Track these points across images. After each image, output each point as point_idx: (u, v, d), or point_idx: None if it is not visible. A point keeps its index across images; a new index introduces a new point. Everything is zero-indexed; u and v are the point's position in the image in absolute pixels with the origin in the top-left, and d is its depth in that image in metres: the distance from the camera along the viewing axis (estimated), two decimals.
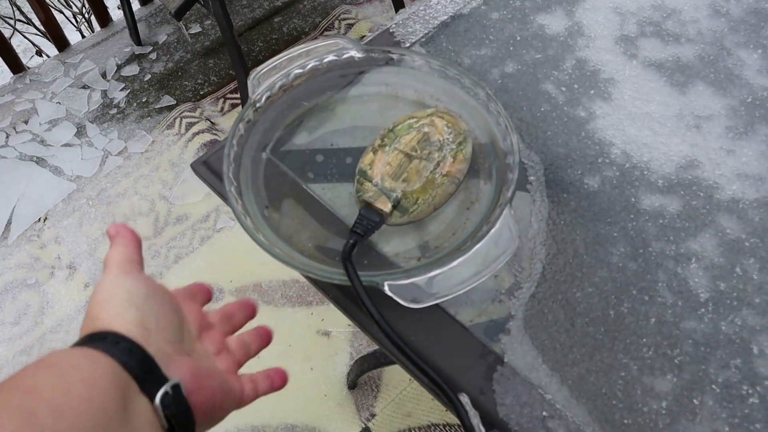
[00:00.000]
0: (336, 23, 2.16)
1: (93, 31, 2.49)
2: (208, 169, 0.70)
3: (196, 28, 2.24)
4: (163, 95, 2.04)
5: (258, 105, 0.68)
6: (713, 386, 0.54)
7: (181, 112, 1.94)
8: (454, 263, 0.54)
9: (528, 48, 0.79)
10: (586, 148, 0.69)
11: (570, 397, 0.53)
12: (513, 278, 0.60)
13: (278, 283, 1.56)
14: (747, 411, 0.53)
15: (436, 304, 0.57)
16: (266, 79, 0.69)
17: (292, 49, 0.71)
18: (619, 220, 0.63)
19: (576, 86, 0.74)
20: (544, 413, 0.52)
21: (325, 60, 0.71)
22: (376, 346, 1.44)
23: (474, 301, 0.59)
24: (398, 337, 0.52)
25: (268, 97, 0.69)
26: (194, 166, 0.72)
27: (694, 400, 0.53)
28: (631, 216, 0.64)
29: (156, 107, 2.01)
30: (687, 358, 0.55)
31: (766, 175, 0.67)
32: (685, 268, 0.60)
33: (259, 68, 0.70)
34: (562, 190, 0.66)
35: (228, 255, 1.63)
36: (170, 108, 1.99)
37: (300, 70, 0.70)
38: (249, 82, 0.69)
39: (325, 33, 2.15)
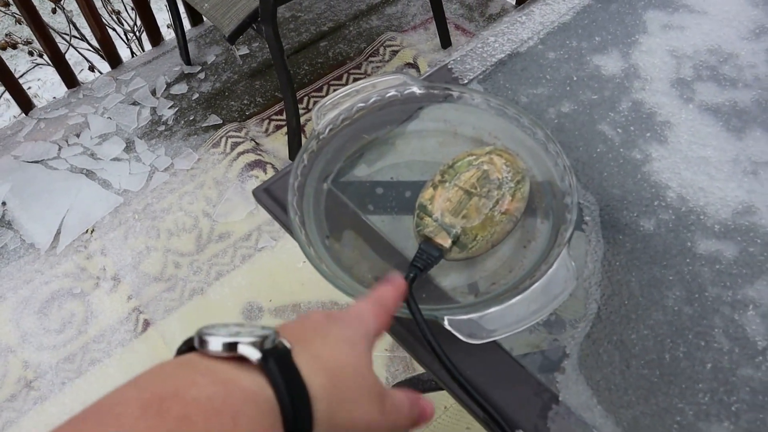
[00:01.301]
0: (381, 49, 2.19)
1: (143, 49, 2.56)
2: (269, 196, 0.72)
3: (243, 50, 2.30)
4: (210, 114, 2.09)
5: (321, 136, 0.70)
6: None
7: (227, 132, 1.98)
8: (513, 301, 0.55)
9: (584, 88, 0.80)
10: (642, 191, 0.70)
11: None
12: (569, 317, 0.61)
13: (317, 305, 1.58)
14: None
15: (494, 341, 0.58)
16: (330, 111, 0.71)
17: (355, 84, 0.73)
18: (674, 263, 0.64)
19: (632, 128, 0.75)
20: None
21: (387, 95, 0.73)
22: (411, 373, 1.45)
23: (530, 339, 0.60)
24: (459, 373, 0.53)
25: (330, 130, 0.71)
26: (256, 193, 0.74)
27: None
28: (687, 260, 0.64)
29: (203, 126, 2.05)
30: (744, 405, 0.56)
31: None
32: (742, 314, 0.61)
33: (323, 101, 0.72)
34: (617, 231, 0.67)
35: (268, 274, 1.66)
36: (216, 127, 2.04)
37: (362, 104, 0.72)
38: (313, 114, 0.71)
39: (370, 59, 2.18)
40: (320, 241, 0.65)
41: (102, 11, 2.29)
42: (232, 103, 2.11)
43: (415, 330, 0.57)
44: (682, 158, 0.73)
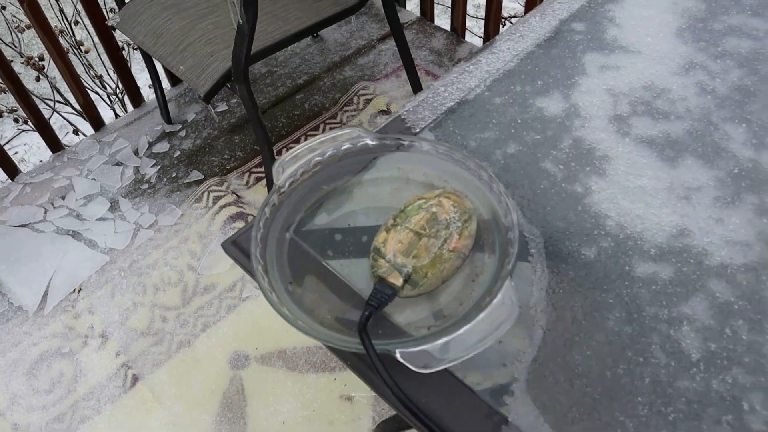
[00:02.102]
0: (355, 99, 2.27)
1: (126, 110, 2.63)
2: (237, 248, 0.77)
3: (222, 107, 2.37)
4: (191, 170, 2.14)
5: (282, 190, 0.75)
6: None
7: (209, 187, 2.04)
8: (460, 332, 0.60)
9: (528, 130, 0.86)
10: (583, 221, 0.75)
11: None
12: (516, 344, 0.65)
13: (302, 350, 1.62)
14: None
15: (447, 370, 0.63)
16: (289, 166, 0.77)
17: (312, 139, 0.78)
18: (614, 287, 0.69)
19: (573, 164, 0.81)
20: None
21: (342, 148, 0.78)
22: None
23: (481, 366, 0.64)
24: (408, 400, 0.58)
25: (291, 183, 0.76)
26: (224, 246, 0.79)
27: None
28: (626, 283, 0.69)
29: (185, 182, 2.11)
30: (681, 415, 0.60)
31: (753, 242, 0.73)
32: (677, 330, 0.65)
33: (282, 157, 0.77)
34: (561, 260, 0.72)
35: (253, 323, 1.69)
36: (198, 182, 2.09)
37: (319, 158, 0.78)
38: (273, 170, 0.76)
39: (345, 108, 2.25)
40: (283, 287, 0.69)
41: (85, 76, 2.37)
42: (213, 158, 2.17)
43: (372, 365, 0.61)
44: (620, 189, 0.78)
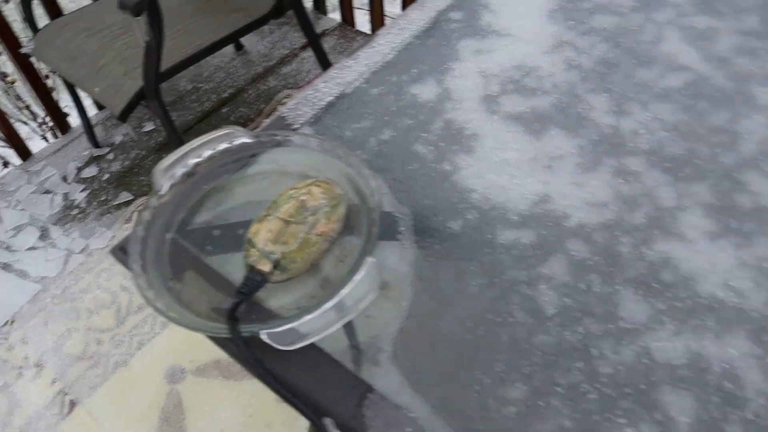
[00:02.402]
0: (279, 108, 2.29)
1: (57, 137, 2.61)
2: (123, 252, 0.79)
3: (149, 126, 2.37)
4: (121, 192, 2.14)
5: (162, 193, 0.77)
6: (558, 388, 0.62)
7: (138, 206, 2.04)
8: (322, 309, 0.63)
9: (402, 116, 0.89)
10: (450, 197, 0.79)
11: (432, 414, 0.61)
12: (385, 317, 0.68)
13: None
14: (587, 406, 0.61)
15: (316, 347, 0.66)
16: (169, 170, 0.79)
17: (190, 142, 0.81)
18: (477, 256, 0.73)
19: (442, 144, 0.85)
20: (408, 430, 0.60)
21: (220, 148, 0.81)
22: None
23: (348, 341, 0.67)
24: (271, 375, 0.60)
25: (171, 185, 0.78)
26: (113, 252, 0.80)
27: (541, 402, 0.61)
28: (488, 251, 0.73)
29: (115, 204, 2.11)
30: (536, 367, 0.64)
31: (609, 201, 0.77)
32: (535, 289, 0.69)
33: (161, 162, 0.80)
34: (428, 236, 0.75)
35: (188, 336, 1.70)
36: (128, 203, 2.09)
37: (198, 159, 0.80)
38: (154, 175, 0.79)
39: (268, 118, 2.27)
40: (163, 284, 0.71)
41: (14, 107, 2.35)
42: (142, 177, 2.17)
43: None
44: (486, 164, 0.82)
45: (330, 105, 0.92)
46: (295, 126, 0.90)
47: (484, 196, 0.78)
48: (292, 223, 0.71)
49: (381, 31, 1.04)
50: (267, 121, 0.92)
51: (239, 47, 2.58)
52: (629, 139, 0.83)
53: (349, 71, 0.97)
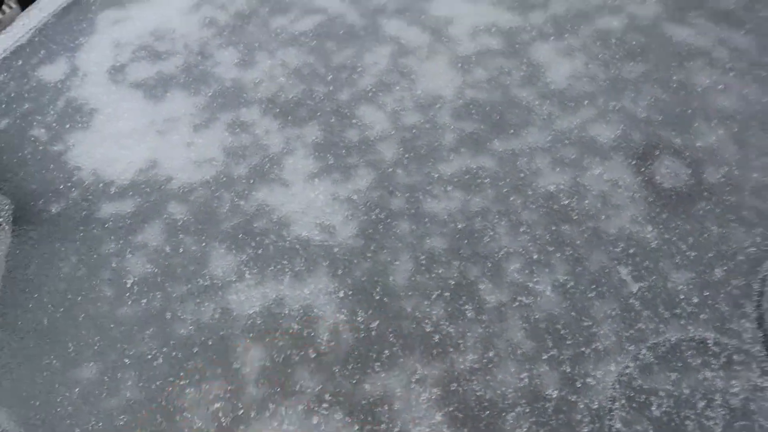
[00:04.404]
0: None
1: None
2: None
3: None
4: None
5: None
6: (127, 360, 0.61)
7: None
8: None
9: (22, 102, 0.85)
10: (55, 179, 0.75)
11: None
12: None
13: None
14: (152, 373, 0.60)
15: None
16: None
17: None
18: (72, 235, 0.70)
19: (56, 125, 0.81)
20: None
21: None
22: None
23: None
24: None
25: None
26: None
27: (107, 377, 0.60)
28: (82, 228, 0.71)
29: None
30: (109, 341, 0.62)
31: (215, 157, 0.76)
32: (123, 260, 0.68)
33: None
34: (27, 222, 0.72)
35: None
36: None
37: None
38: None
39: None
40: None
41: None
42: None
43: None
44: (99, 138, 0.79)
45: None
46: None
47: (91, 171, 0.75)
48: None
49: (21, 14, 0.98)
50: None
51: None
52: (249, 90, 0.82)
53: None
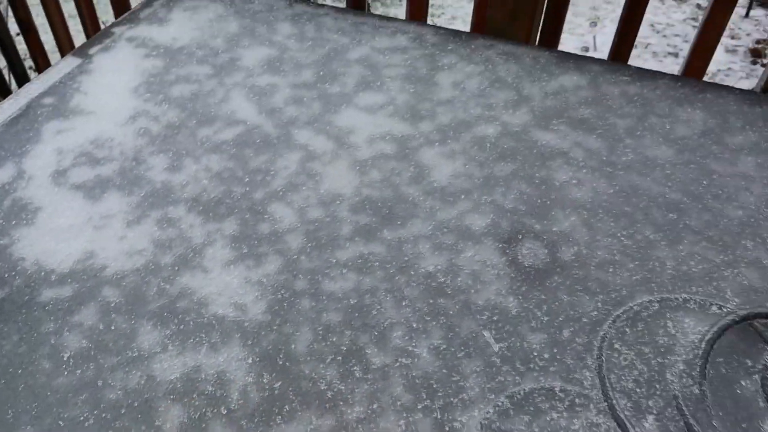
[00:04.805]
0: None
1: None
2: None
3: None
4: None
5: None
6: (61, 422, 0.71)
7: None
8: None
9: None
10: (1, 269, 0.86)
11: None
12: None
13: None
14: (122, 422, 0.70)
15: None
16: None
17: None
18: (16, 317, 0.80)
19: (2, 221, 0.93)
20: None
21: None
22: None
23: None
24: None
25: None
26: None
27: None
28: (24, 311, 0.81)
29: None
30: (44, 407, 0.72)
31: (145, 248, 0.88)
32: (60, 337, 0.78)
33: None
34: None
35: None
36: None
37: None
38: None
39: None
40: None
41: None
42: None
43: None
44: (42, 233, 0.91)
45: None
46: None
47: (34, 261, 0.86)
48: None
49: None
50: None
51: None
52: (177, 191, 0.96)
53: None
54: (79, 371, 0.75)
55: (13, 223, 0.92)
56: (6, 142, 1.06)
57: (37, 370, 0.75)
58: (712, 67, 3.87)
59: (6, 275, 0.85)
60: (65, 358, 0.76)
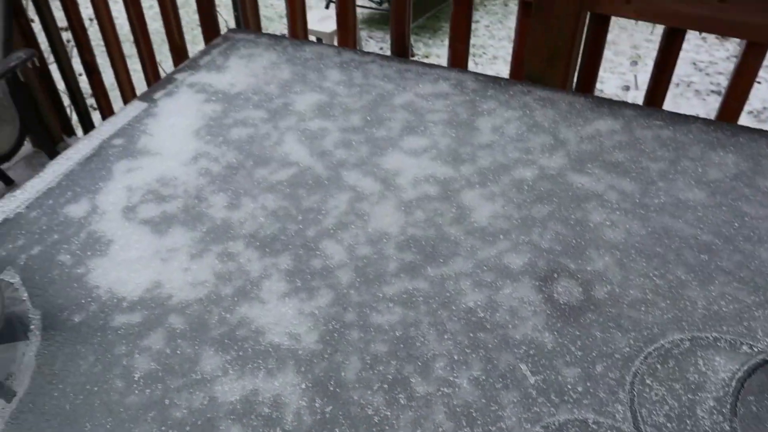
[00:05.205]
0: None
1: None
2: None
3: None
4: None
5: None
6: None
7: None
8: None
9: (52, 233, 1.06)
10: (78, 295, 0.95)
11: None
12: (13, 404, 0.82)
13: None
14: None
15: None
16: None
17: None
18: (90, 339, 0.89)
19: (80, 252, 1.02)
20: None
21: None
22: None
23: None
24: None
25: None
26: None
27: None
28: (99, 334, 0.89)
29: None
30: (118, 423, 0.80)
31: (207, 280, 0.96)
32: (131, 359, 0.86)
33: None
34: (54, 329, 0.90)
35: None
36: None
37: None
38: None
39: None
40: None
41: None
42: None
43: None
44: (114, 263, 1.00)
45: None
46: None
47: (107, 290, 0.95)
48: None
49: (50, 163, 1.21)
50: None
51: (8, 182, 2.64)
52: (236, 227, 1.04)
53: (14, 200, 1.12)
54: (148, 390, 0.82)
55: (89, 254, 1.01)
56: (81, 179, 1.16)
57: (111, 388, 0.83)
58: (757, 105, 3.87)
59: (83, 301, 0.94)
60: (136, 378, 0.83)
